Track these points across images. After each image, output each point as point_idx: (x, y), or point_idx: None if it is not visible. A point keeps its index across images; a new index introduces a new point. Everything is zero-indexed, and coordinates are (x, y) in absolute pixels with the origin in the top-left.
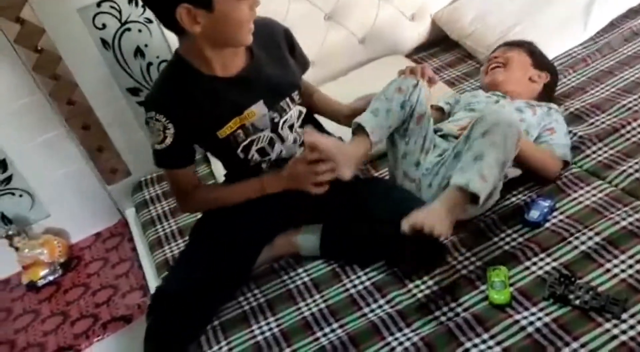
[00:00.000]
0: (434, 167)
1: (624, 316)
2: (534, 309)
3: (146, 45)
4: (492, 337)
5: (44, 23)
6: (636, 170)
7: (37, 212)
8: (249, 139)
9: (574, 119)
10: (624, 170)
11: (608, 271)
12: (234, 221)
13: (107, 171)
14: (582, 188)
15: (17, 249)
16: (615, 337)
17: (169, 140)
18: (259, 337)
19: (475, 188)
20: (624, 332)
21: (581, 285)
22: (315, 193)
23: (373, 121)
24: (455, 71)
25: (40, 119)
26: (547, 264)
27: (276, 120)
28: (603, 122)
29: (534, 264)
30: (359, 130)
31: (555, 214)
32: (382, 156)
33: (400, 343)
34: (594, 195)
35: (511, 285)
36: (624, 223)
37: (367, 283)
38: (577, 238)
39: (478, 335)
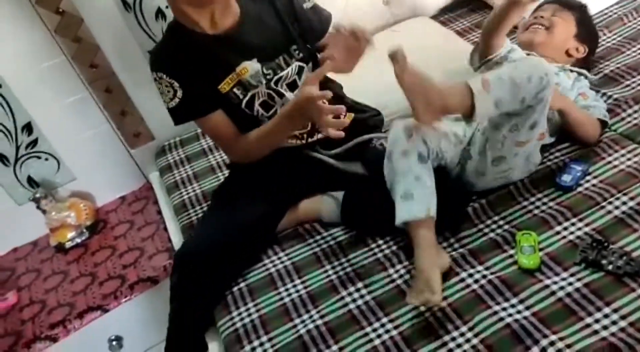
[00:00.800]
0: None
1: None
2: (564, 274)
3: (167, 7)
4: (521, 301)
5: None
6: None
7: (63, 176)
8: (249, 94)
9: (608, 81)
10: None
11: None
12: (257, 183)
13: (131, 135)
14: (616, 151)
15: (44, 211)
16: None
17: (179, 94)
18: (286, 299)
19: (474, 86)
20: None
21: (614, 250)
22: (333, 136)
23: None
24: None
25: (64, 83)
26: (579, 229)
27: (269, 76)
28: (639, 84)
29: (565, 229)
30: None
31: (588, 178)
32: None
33: (429, 308)
34: (628, 159)
35: (541, 250)
36: None
37: (393, 246)
38: (610, 203)
39: (507, 299)
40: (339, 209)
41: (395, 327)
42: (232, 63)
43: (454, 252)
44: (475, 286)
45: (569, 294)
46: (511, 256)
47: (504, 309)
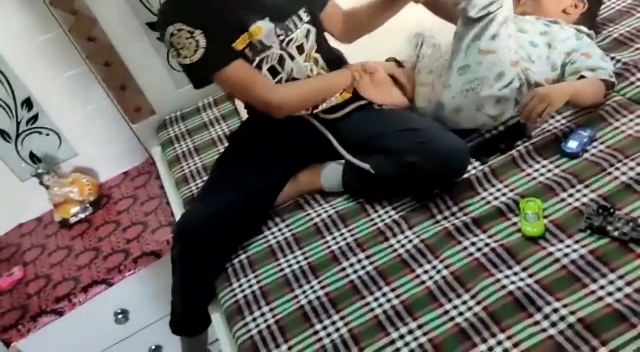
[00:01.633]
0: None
1: None
2: (569, 241)
3: None
4: (524, 269)
5: None
6: None
7: (65, 152)
8: (258, 58)
9: (617, 44)
10: None
11: None
12: (257, 153)
13: (131, 110)
14: (624, 117)
15: (47, 187)
16: None
17: (202, 42)
18: (287, 270)
19: None
20: None
21: (620, 216)
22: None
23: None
24: None
25: (62, 57)
26: (585, 195)
27: (282, 38)
28: None
29: (570, 195)
30: None
31: (594, 144)
32: None
33: (431, 277)
34: (637, 124)
35: (545, 217)
36: None
37: (395, 215)
38: (617, 169)
39: (510, 267)
40: (340, 178)
41: (397, 296)
42: (245, 22)
43: (456, 221)
44: (477, 254)
45: (573, 261)
46: (515, 224)
47: (507, 276)
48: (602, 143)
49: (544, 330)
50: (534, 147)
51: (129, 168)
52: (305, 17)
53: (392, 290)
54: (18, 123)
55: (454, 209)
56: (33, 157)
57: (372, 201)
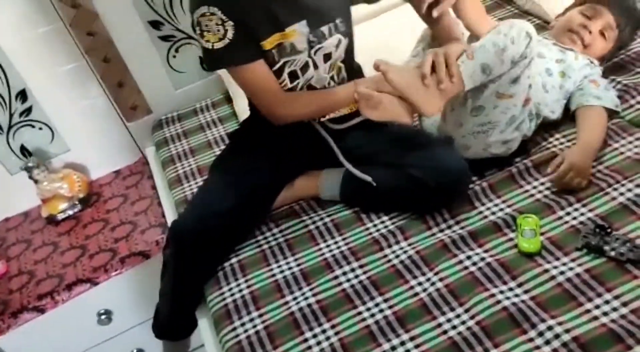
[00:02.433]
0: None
1: None
2: (565, 259)
3: None
4: (519, 285)
5: None
6: None
7: (57, 146)
8: (283, 60)
9: (617, 68)
10: None
11: None
12: (254, 158)
13: (128, 108)
14: (623, 139)
15: (36, 181)
16: None
17: (231, 33)
18: (279, 276)
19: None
20: None
21: (617, 236)
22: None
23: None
24: (491, 17)
25: (60, 50)
26: (582, 214)
27: (313, 44)
28: None
29: (568, 214)
30: None
31: (593, 164)
32: None
33: (425, 289)
34: (636, 146)
35: (542, 234)
36: None
37: (390, 225)
38: (615, 189)
39: (505, 283)
40: (338, 187)
41: (390, 307)
42: (282, 23)
43: (452, 234)
44: (473, 268)
45: (569, 279)
46: (511, 239)
47: (502, 292)
48: (601, 163)
49: (537, 347)
50: (533, 164)
51: (121, 167)
52: (341, 26)
53: (385, 300)
54: (11, 115)
55: (451, 222)
56: (24, 150)
57: (368, 211)
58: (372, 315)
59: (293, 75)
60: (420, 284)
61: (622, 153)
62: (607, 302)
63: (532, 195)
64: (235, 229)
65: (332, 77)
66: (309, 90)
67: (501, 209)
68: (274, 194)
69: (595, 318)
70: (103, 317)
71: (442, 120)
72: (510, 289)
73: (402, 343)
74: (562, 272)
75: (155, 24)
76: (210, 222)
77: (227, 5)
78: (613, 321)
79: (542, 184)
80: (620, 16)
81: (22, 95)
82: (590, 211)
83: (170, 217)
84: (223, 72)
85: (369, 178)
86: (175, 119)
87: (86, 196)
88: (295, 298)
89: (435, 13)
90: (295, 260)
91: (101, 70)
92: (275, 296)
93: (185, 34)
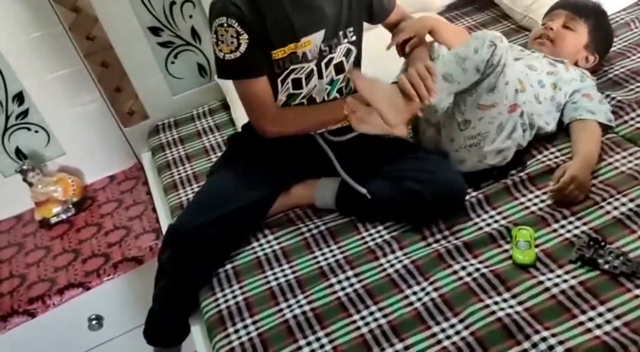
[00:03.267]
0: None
1: None
2: (559, 271)
3: None
4: (513, 296)
5: None
6: None
7: (53, 150)
8: (291, 67)
9: (612, 84)
10: None
11: None
12: (252, 164)
13: (124, 113)
14: (618, 154)
15: (30, 184)
16: None
17: (243, 47)
18: (273, 283)
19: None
20: None
21: (611, 250)
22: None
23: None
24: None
25: (59, 53)
26: (577, 227)
27: (325, 54)
28: None
29: (562, 227)
30: None
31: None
32: None
33: (419, 299)
34: (630, 161)
35: (537, 246)
36: None
37: (386, 235)
38: (609, 203)
39: (499, 294)
40: (334, 196)
41: (384, 316)
42: (301, 31)
43: (447, 244)
44: (467, 279)
45: (563, 291)
46: (506, 251)
47: (496, 303)
48: (595, 177)
49: None
50: (528, 177)
51: (116, 172)
52: (351, 36)
53: (380, 309)
54: (7, 117)
55: (446, 232)
56: (19, 153)
57: (363, 220)
58: (367, 324)
59: (297, 84)
60: (415, 293)
61: (616, 168)
62: (600, 314)
63: (527, 207)
64: (232, 232)
65: (340, 90)
66: (309, 101)
67: (496, 221)
68: (270, 201)
69: (589, 330)
70: (94, 322)
71: (436, 133)
72: (505, 300)
73: None
74: (556, 284)
75: (154, 30)
76: (207, 224)
77: (247, 17)
78: (606, 333)
79: (537, 196)
80: (576, 9)
81: (19, 97)
82: (584, 224)
83: (165, 222)
84: (221, 80)
85: (364, 190)
86: (172, 125)
87: (80, 200)
88: (289, 306)
89: (407, 49)
90: (290, 267)
91: (99, 74)
92: (269, 303)
93: (184, 40)
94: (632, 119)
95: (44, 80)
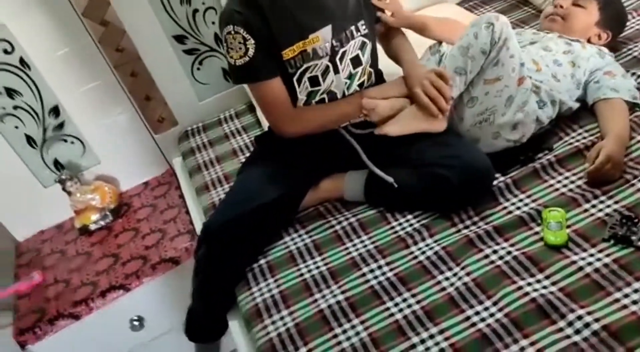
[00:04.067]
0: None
1: None
2: (592, 250)
3: None
4: (547, 277)
5: None
6: None
7: (89, 159)
8: (304, 66)
9: (637, 62)
10: None
11: None
12: (279, 162)
13: (155, 120)
14: None
15: (69, 193)
16: None
17: (251, 52)
18: (307, 275)
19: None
20: None
21: None
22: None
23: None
24: (509, 18)
25: (90, 66)
26: (608, 206)
27: (337, 49)
28: None
29: (594, 206)
30: None
31: None
32: None
33: (452, 284)
34: None
35: (568, 227)
36: None
37: (416, 224)
38: None
39: (532, 275)
40: (362, 188)
41: (418, 302)
42: (306, 30)
43: (477, 229)
44: (499, 262)
45: (597, 270)
46: (537, 233)
47: (530, 284)
48: (626, 155)
49: (567, 337)
50: (557, 159)
51: (149, 178)
52: (363, 29)
53: (413, 296)
54: (44, 130)
55: (475, 218)
56: (57, 164)
57: (392, 210)
58: (400, 310)
59: (314, 81)
60: (447, 279)
61: None
62: (636, 290)
63: (556, 189)
64: (261, 228)
65: (361, 84)
66: (329, 96)
67: (526, 204)
68: (300, 196)
69: (625, 307)
70: (135, 323)
71: (451, 116)
72: (538, 281)
73: (432, 336)
74: (589, 263)
75: (179, 38)
76: (234, 221)
77: (251, 23)
78: None
79: (567, 178)
80: None
81: (55, 111)
82: (616, 202)
83: (198, 223)
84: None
85: (390, 179)
86: (201, 130)
87: (117, 206)
88: (324, 296)
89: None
90: (323, 259)
91: (129, 84)
92: (304, 295)
93: (208, 46)
94: None
95: (78, 93)
